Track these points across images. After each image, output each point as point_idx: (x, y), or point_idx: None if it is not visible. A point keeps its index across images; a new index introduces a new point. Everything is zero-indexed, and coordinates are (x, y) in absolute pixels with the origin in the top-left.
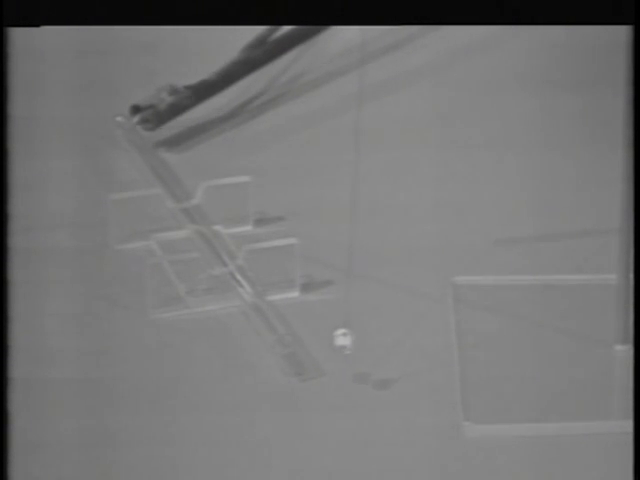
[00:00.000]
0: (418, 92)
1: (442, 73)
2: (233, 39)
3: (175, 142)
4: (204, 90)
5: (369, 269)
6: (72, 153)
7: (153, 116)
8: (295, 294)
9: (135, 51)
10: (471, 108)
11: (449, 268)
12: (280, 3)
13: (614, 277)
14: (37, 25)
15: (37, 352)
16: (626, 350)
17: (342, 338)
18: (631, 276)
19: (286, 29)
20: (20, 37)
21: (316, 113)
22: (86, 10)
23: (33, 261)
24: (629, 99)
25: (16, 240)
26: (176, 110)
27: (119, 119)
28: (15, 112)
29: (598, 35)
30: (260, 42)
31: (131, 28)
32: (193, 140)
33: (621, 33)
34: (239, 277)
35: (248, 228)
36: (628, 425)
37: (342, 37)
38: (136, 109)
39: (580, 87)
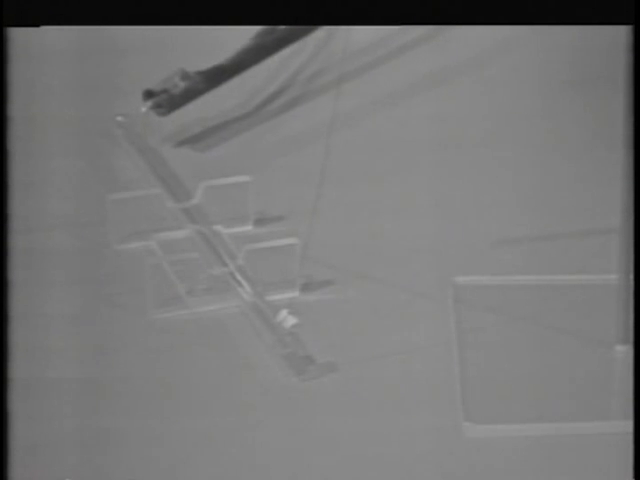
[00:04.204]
0: (418, 93)
1: (442, 74)
2: (235, 39)
3: (194, 141)
4: (216, 76)
5: (369, 269)
6: (72, 153)
7: (166, 101)
8: (295, 294)
9: (135, 51)
10: (471, 108)
11: (449, 268)
12: (287, 2)
13: (614, 277)
14: (37, 25)
15: (37, 352)
16: (626, 350)
17: (290, 317)
18: (631, 276)
19: None
20: (20, 37)
21: (317, 114)
22: (86, 10)
23: (33, 261)
24: (629, 99)
25: (16, 240)
26: (189, 95)
27: (119, 119)
28: (15, 112)
29: (598, 35)
30: (272, 28)
31: (131, 28)
32: (207, 141)
33: (621, 33)
34: (239, 277)
35: (248, 228)
36: (628, 425)
37: (351, 38)
38: (149, 94)
39: (580, 87)
